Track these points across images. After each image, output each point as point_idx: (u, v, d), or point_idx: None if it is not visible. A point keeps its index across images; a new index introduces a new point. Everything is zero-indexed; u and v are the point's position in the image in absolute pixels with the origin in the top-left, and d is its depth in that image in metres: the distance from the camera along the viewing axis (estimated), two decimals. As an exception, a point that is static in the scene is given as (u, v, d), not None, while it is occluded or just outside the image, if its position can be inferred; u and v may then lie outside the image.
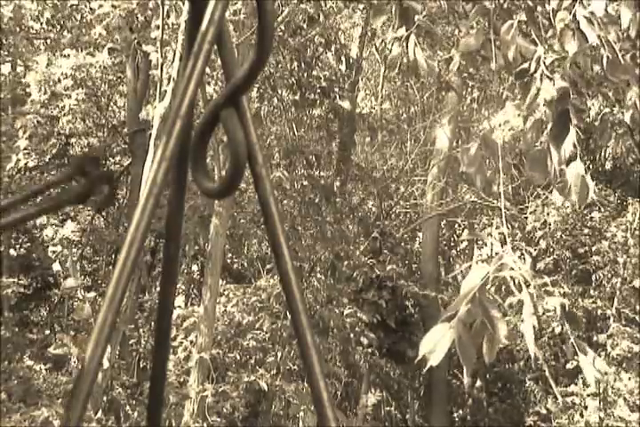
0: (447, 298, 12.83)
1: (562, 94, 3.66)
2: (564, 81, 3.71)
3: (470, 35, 3.82)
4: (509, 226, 12.77)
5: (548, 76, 3.66)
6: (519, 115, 3.69)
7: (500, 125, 3.71)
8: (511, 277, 3.32)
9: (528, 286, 3.35)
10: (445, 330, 3.30)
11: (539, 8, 3.89)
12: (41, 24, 11.66)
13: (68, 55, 10.55)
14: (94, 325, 0.62)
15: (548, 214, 12.64)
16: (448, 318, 3.34)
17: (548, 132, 3.66)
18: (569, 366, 10.30)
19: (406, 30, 3.85)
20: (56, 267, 10.19)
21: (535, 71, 3.68)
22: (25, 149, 10.35)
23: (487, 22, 3.82)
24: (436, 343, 3.30)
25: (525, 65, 3.74)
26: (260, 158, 0.74)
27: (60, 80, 10.38)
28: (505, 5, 3.95)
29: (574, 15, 3.58)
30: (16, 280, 9.86)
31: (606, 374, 9.02)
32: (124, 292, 0.60)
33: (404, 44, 3.78)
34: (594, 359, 4.08)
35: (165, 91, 7.74)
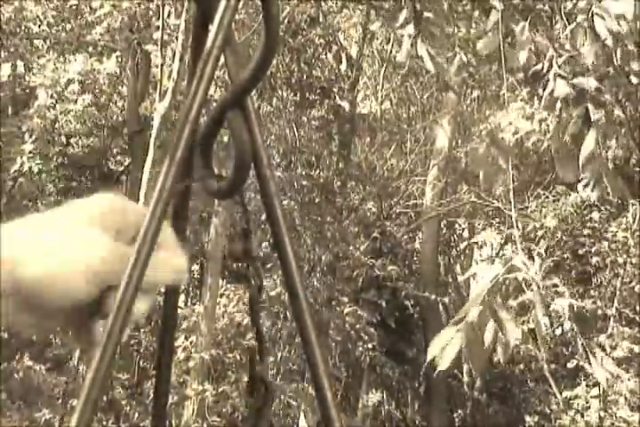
0: (446, 299, 12.81)
1: (579, 93, 3.62)
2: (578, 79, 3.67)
3: (486, 36, 3.78)
4: (509, 227, 12.75)
5: (560, 75, 3.62)
6: (524, 117, 3.67)
7: (502, 127, 3.70)
8: (522, 278, 3.21)
9: (538, 287, 3.24)
10: (453, 333, 3.15)
11: (546, 7, 3.88)
12: (40, 25, 11.61)
13: (75, 60, 10.53)
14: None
15: (545, 216, 12.61)
16: (457, 322, 3.19)
17: (568, 131, 3.62)
18: (569, 365, 10.28)
19: (414, 28, 3.77)
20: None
21: (548, 71, 3.64)
22: (30, 152, 10.29)
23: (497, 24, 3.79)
24: (444, 347, 3.15)
25: (539, 66, 3.70)
26: (265, 160, 0.74)
27: (67, 86, 10.35)
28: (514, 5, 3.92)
29: (592, 14, 3.54)
30: None
31: (618, 376, 8.99)
32: (135, 296, 0.60)
33: (413, 42, 3.70)
34: (602, 360, 4.02)
35: (165, 91, 7.73)
